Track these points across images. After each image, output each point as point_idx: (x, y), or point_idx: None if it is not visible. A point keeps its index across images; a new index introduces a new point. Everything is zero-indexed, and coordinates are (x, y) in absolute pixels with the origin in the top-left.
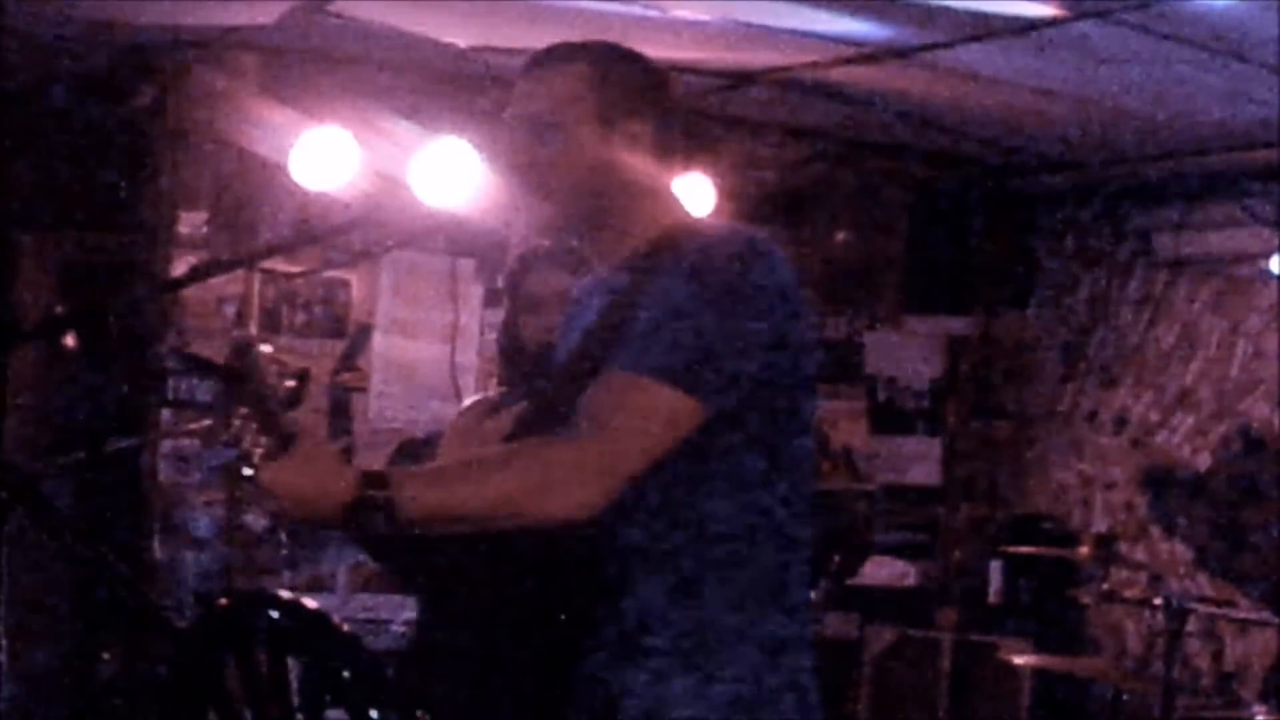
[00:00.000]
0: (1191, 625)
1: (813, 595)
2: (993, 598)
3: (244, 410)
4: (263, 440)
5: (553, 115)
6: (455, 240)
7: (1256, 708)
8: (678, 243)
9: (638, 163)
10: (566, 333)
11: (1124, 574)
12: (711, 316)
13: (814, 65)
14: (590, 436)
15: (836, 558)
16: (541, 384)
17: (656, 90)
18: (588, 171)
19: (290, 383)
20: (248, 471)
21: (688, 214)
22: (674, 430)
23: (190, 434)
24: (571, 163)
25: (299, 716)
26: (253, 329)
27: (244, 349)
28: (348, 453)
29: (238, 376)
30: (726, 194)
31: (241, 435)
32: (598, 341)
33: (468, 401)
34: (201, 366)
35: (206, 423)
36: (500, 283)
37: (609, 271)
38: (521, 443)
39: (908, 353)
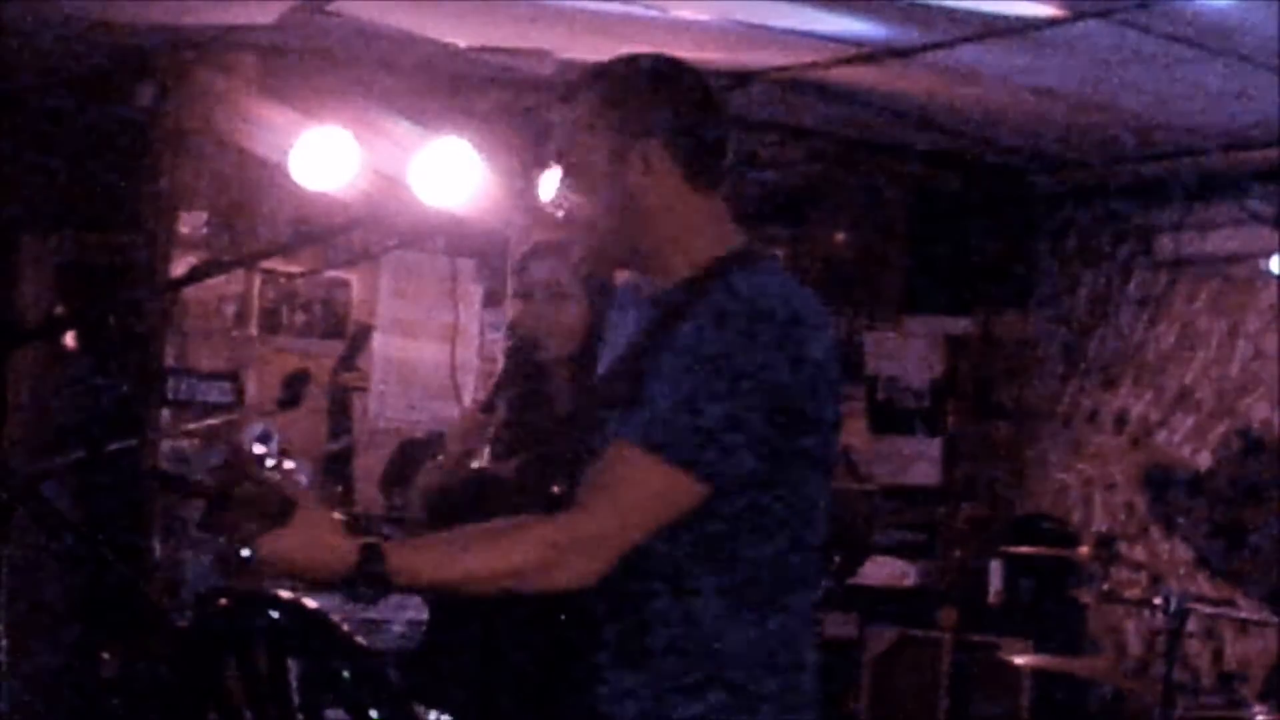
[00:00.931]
0: (1191, 625)
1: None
2: (993, 598)
3: (233, 516)
4: (252, 525)
5: (570, 154)
6: (455, 240)
7: (1256, 708)
8: (706, 286)
9: (655, 187)
10: (609, 342)
11: (1124, 574)
12: (724, 385)
13: (814, 65)
14: (590, 513)
15: (836, 558)
16: (514, 393)
17: (675, 100)
18: (607, 199)
19: (289, 464)
20: (245, 553)
21: (729, 234)
22: (673, 509)
23: (190, 434)
24: (591, 193)
25: (299, 716)
26: (253, 329)
27: (235, 463)
28: (346, 453)
29: (223, 496)
30: (726, 194)
31: (236, 525)
32: (626, 371)
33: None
34: (189, 489)
35: (207, 423)
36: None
37: (654, 288)
38: (522, 520)
39: (908, 353)
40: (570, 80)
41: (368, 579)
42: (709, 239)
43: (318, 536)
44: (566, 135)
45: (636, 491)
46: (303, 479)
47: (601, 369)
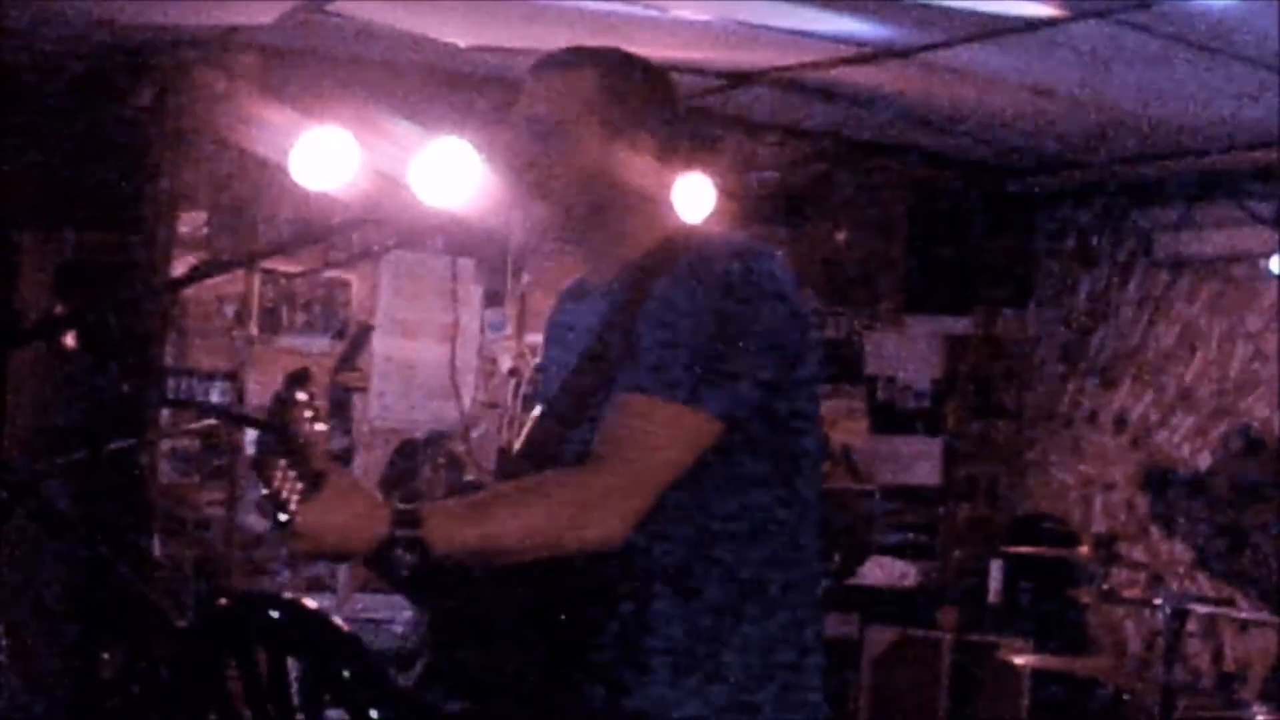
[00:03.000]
0: (1191, 625)
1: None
2: (993, 598)
3: (283, 460)
4: (297, 485)
5: (556, 119)
6: (455, 240)
7: (1256, 708)
8: (676, 251)
9: (638, 171)
10: (558, 334)
11: (1124, 574)
12: (714, 325)
13: (814, 65)
14: (612, 464)
15: (836, 558)
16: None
17: (662, 99)
18: (587, 177)
19: (321, 426)
20: (283, 517)
21: (684, 220)
22: (692, 449)
23: (190, 434)
24: (571, 167)
25: (299, 716)
26: (253, 329)
27: (285, 401)
28: (346, 454)
29: (281, 430)
30: (726, 194)
31: (276, 482)
32: (603, 350)
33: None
34: (245, 422)
35: (207, 423)
36: None
37: (605, 277)
38: (547, 475)
39: (908, 353)
40: (551, 54)
41: (405, 543)
42: (670, 220)
43: (352, 504)
44: (548, 103)
45: (652, 436)
46: (323, 426)
47: (560, 365)
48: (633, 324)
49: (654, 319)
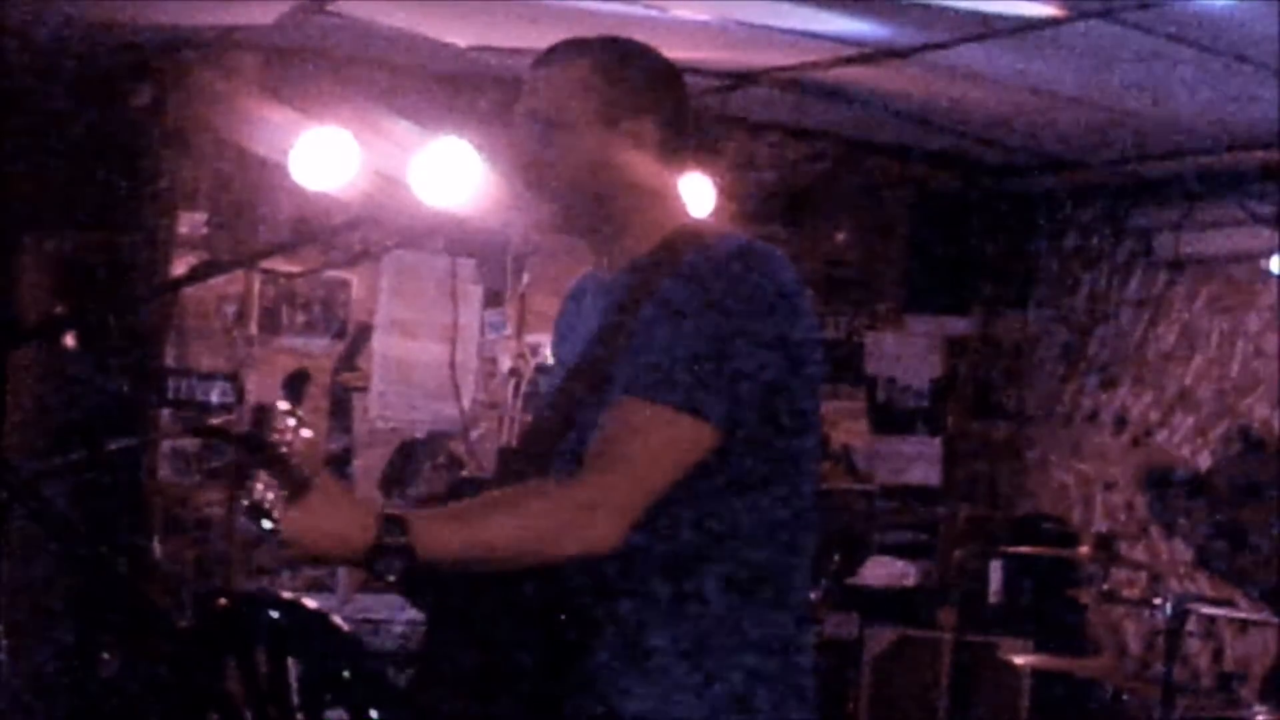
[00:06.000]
0: (1191, 625)
1: (812, 595)
2: (993, 598)
3: (264, 470)
4: (280, 492)
5: (554, 113)
6: (455, 240)
7: (1256, 708)
8: (680, 249)
9: (640, 162)
10: (566, 331)
11: (1124, 574)
12: (716, 327)
13: (814, 65)
14: (606, 470)
15: (836, 558)
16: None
17: (663, 88)
18: (587, 170)
19: (306, 433)
20: (267, 524)
21: (690, 216)
22: (688, 456)
23: (190, 434)
24: (571, 161)
25: (299, 716)
26: (253, 329)
27: (266, 411)
28: (346, 454)
29: (257, 443)
30: (726, 194)
31: (257, 492)
32: (602, 349)
33: None
34: (221, 436)
35: (207, 423)
36: None
37: (609, 273)
38: (540, 481)
39: (908, 353)
40: (550, 48)
41: (391, 551)
42: (674, 214)
43: (339, 511)
44: (546, 97)
45: (648, 442)
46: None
47: (566, 360)
48: (634, 322)
49: (656, 319)
